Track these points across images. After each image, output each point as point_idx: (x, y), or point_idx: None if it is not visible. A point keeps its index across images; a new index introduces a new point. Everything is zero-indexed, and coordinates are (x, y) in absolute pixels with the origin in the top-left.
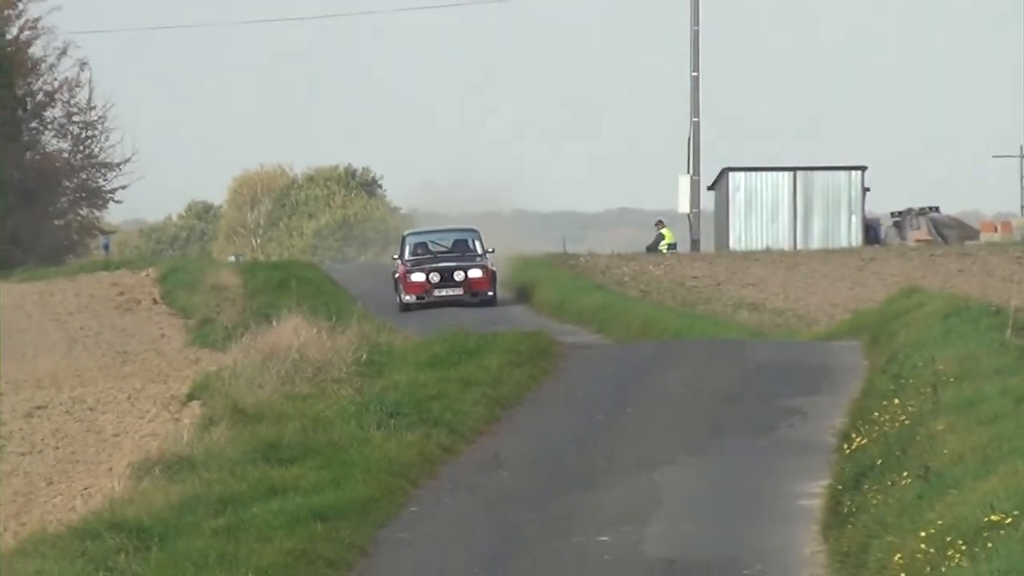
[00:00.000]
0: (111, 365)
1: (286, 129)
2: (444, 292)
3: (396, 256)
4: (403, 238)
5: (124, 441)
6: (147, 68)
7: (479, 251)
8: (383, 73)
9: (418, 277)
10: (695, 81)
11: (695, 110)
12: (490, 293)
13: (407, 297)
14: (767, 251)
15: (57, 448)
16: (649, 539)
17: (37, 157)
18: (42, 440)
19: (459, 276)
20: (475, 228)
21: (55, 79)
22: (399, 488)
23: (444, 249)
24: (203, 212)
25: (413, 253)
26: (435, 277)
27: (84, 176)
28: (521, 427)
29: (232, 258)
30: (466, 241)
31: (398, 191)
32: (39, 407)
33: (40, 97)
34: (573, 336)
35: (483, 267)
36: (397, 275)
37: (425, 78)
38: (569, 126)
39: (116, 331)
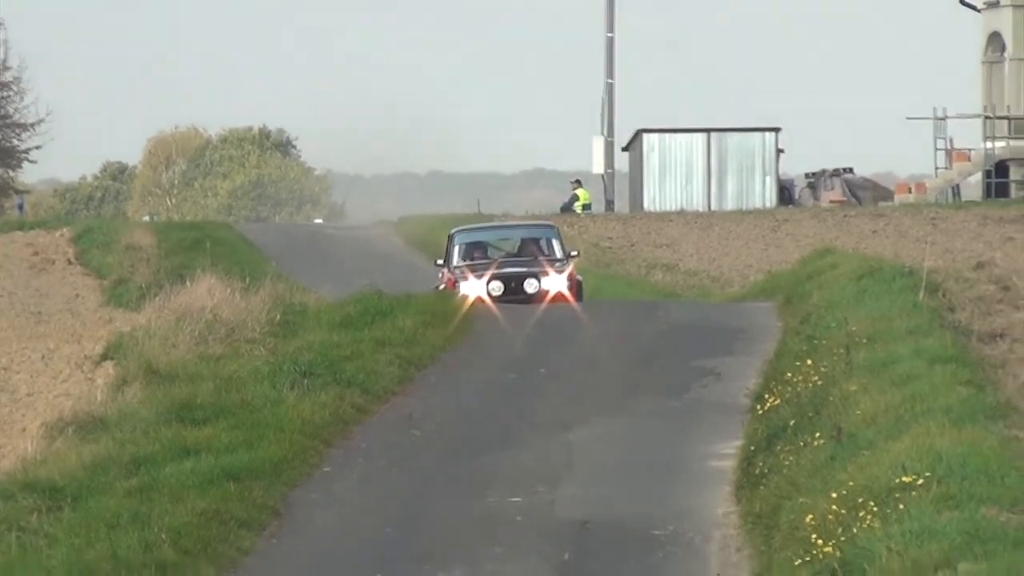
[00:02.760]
0: (25, 325)
1: (202, 89)
2: None
3: (440, 262)
4: (450, 237)
5: (37, 401)
6: (62, 28)
7: (559, 254)
8: (300, 32)
9: (472, 287)
10: (610, 42)
11: (609, 71)
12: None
13: None
14: (681, 212)
15: None
16: (561, 500)
17: None
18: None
19: (531, 286)
20: (552, 224)
21: None
22: (312, 448)
23: (510, 252)
24: (118, 172)
25: (466, 256)
26: (497, 287)
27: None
28: (434, 388)
29: (147, 218)
30: (539, 241)
31: (313, 151)
32: None
33: None
34: None
35: (564, 274)
36: (441, 287)
37: (343, 43)
38: (485, 87)
39: (30, 291)
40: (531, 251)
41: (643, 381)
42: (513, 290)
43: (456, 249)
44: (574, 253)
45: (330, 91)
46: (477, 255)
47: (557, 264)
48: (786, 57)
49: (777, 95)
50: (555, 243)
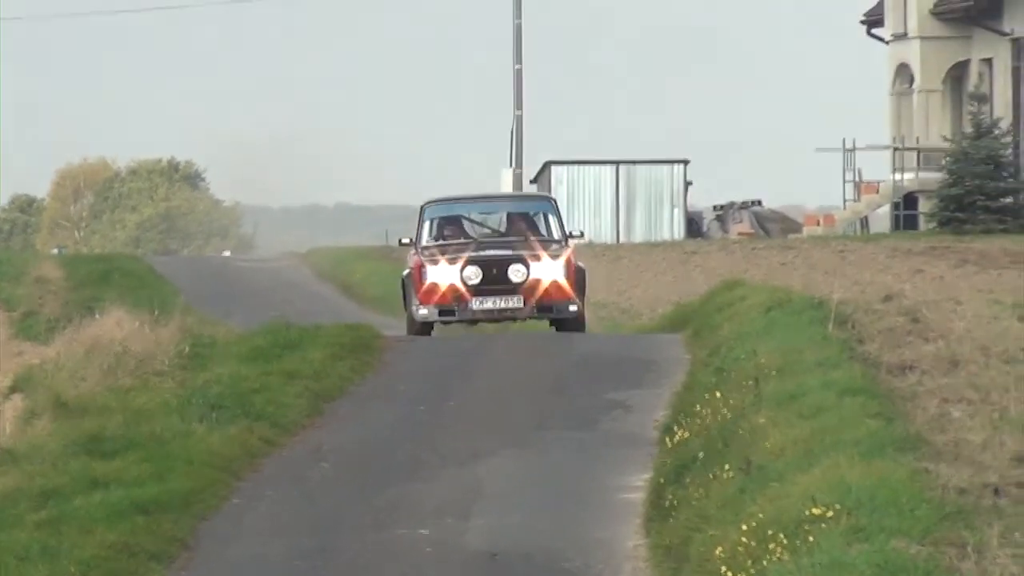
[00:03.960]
0: None
1: (110, 121)
2: (491, 303)
3: (406, 240)
4: (420, 211)
5: None
6: None
7: (556, 234)
8: (209, 62)
9: (443, 274)
10: (518, 74)
11: (518, 103)
12: (573, 308)
13: (422, 311)
14: (590, 244)
15: None
16: (471, 532)
17: None
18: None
19: (518, 274)
20: (548, 196)
21: None
22: (221, 481)
23: (494, 231)
24: (26, 205)
25: (439, 235)
26: (474, 274)
27: None
28: (344, 420)
29: (55, 250)
30: (532, 216)
31: (221, 184)
32: None
33: None
34: (396, 329)
35: (561, 259)
36: (407, 272)
37: (250, 74)
38: (394, 118)
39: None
40: (520, 229)
41: (553, 413)
42: (494, 278)
43: (427, 226)
44: (576, 233)
45: (237, 123)
46: (452, 233)
47: (553, 246)
48: (694, 88)
49: (685, 127)
50: (552, 220)
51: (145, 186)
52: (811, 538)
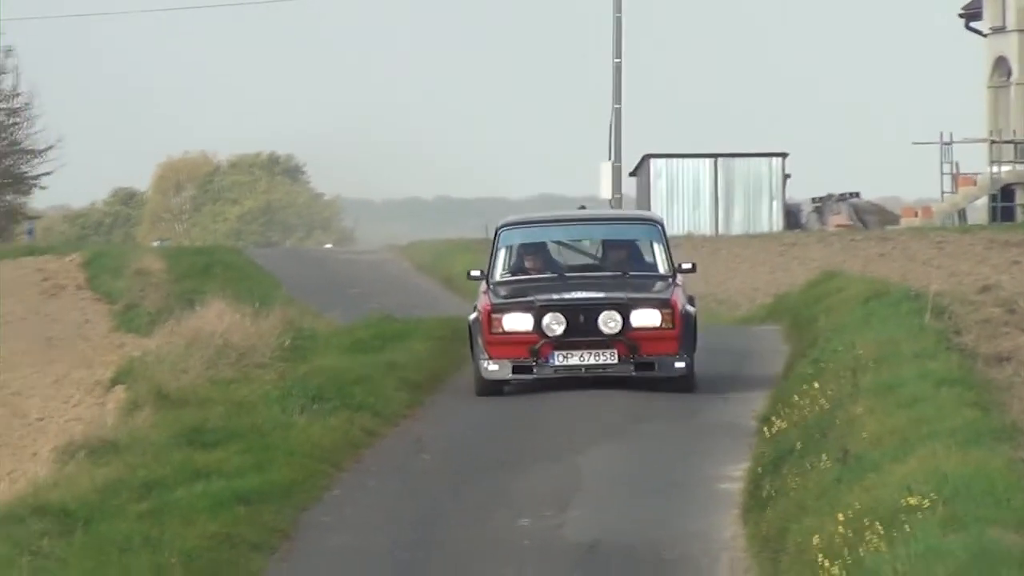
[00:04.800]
0: (36, 350)
1: (211, 115)
2: (577, 358)
3: (474, 273)
4: (495, 234)
5: (49, 426)
6: (72, 54)
7: (662, 267)
8: (309, 57)
9: (517, 321)
10: (617, 67)
11: (617, 97)
12: (680, 365)
13: (491, 366)
14: (689, 236)
15: None
16: (570, 523)
17: None
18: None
19: (611, 323)
20: (655, 217)
21: None
22: (322, 472)
23: (584, 263)
24: (128, 198)
25: (517, 266)
26: (556, 322)
27: (8, 163)
28: (444, 412)
29: (157, 243)
30: (635, 244)
31: (322, 178)
32: None
33: None
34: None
35: (667, 304)
36: (474, 316)
37: (351, 68)
38: (493, 113)
39: (41, 316)
40: (617, 261)
41: (651, 405)
42: (582, 328)
43: (501, 255)
44: (687, 266)
45: (339, 116)
46: (533, 264)
47: (657, 285)
48: (792, 82)
49: (783, 120)
50: (657, 248)
51: (246, 179)
52: (907, 527)
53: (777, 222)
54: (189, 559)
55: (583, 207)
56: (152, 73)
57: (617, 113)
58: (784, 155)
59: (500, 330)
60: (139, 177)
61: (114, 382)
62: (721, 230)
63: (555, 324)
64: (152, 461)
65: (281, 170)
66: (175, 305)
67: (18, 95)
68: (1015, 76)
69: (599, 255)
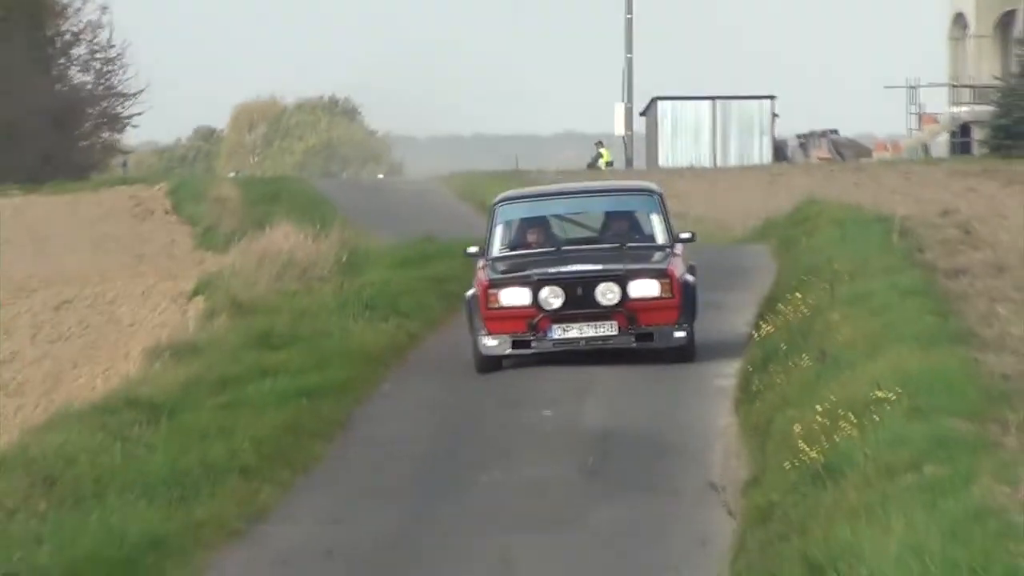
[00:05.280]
0: (129, 265)
1: (278, 59)
2: (576, 331)
3: (473, 249)
4: (492, 209)
5: (139, 330)
6: (160, 7)
7: (660, 237)
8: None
9: (515, 295)
10: (628, 22)
11: (628, 47)
12: (680, 335)
13: (489, 341)
14: (691, 168)
15: (81, 336)
16: (586, 414)
17: (65, 89)
18: (68, 329)
19: (609, 294)
20: (653, 188)
21: (80, 21)
22: (373, 371)
23: (581, 236)
24: (208, 135)
25: (516, 241)
26: (553, 295)
27: (105, 105)
28: (445, 341)
29: (232, 175)
30: (631, 216)
31: (375, 117)
32: (66, 301)
33: (67, 37)
34: None
35: (665, 274)
36: (472, 292)
37: (399, 10)
38: (524, 58)
39: (133, 236)
40: (616, 233)
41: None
42: (580, 300)
43: (499, 230)
44: (685, 236)
45: (390, 60)
46: (532, 238)
47: (655, 256)
48: (780, 31)
49: (772, 65)
50: (655, 219)
51: (309, 119)
52: (876, 417)
53: (766, 155)
54: (259, 445)
55: (600, 143)
56: (229, 24)
57: (628, 62)
58: (772, 97)
59: (497, 305)
60: (218, 117)
61: (195, 293)
62: (719, 163)
63: (553, 298)
64: (227, 361)
65: (340, 111)
66: (248, 227)
67: (112, 47)
68: (972, 30)
69: (597, 228)
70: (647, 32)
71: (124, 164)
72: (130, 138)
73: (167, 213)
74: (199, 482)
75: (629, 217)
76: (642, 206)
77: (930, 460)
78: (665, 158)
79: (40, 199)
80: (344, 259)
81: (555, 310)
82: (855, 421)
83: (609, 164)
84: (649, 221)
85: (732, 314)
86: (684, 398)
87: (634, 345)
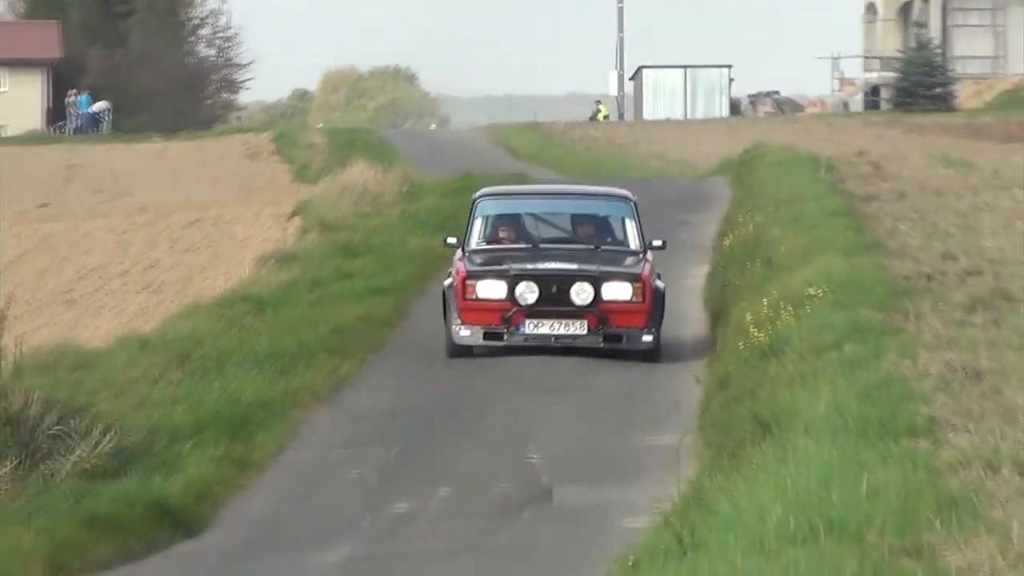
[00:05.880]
0: (242, 194)
1: (356, 31)
2: (547, 327)
3: (452, 240)
4: (472, 203)
5: (250, 244)
6: None
7: (633, 243)
8: None
9: (491, 288)
10: (620, 10)
11: (620, 27)
12: (647, 338)
13: (463, 331)
14: (667, 120)
15: (206, 248)
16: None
17: (193, 61)
18: (197, 243)
19: (583, 294)
20: (627, 194)
21: (205, 9)
22: (427, 274)
23: (558, 236)
24: (301, 95)
25: (490, 236)
26: (529, 291)
27: (224, 72)
28: None
29: (320, 125)
30: (606, 220)
31: (428, 81)
32: (195, 221)
33: (195, 22)
34: (543, 175)
35: (637, 279)
36: (449, 282)
37: None
38: (537, 33)
39: (245, 173)
40: (591, 235)
41: (645, 228)
42: (554, 297)
43: (478, 224)
44: (657, 243)
45: (440, 33)
46: (508, 234)
47: (628, 260)
48: (735, 12)
49: (728, 40)
50: (629, 225)
51: (378, 84)
52: (808, 308)
53: (724, 111)
54: (341, 330)
55: (599, 101)
56: (319, 5)
57: (620, 40)
58: (729, 66)
59: (474, 296)
60: (310, 81)
61: (293, 215)
62: (689, 116)
63: (528, 293)
64: (316, 267)
65: (401, 76)
66: (332, 165)
67: (229, 28)
68: (880, 15)
69: (572, 228)
70: (634, 10)
71: (238, 118)
72: (243, 98)
73: (271, 155)
74: (295, 358)
75: (603, 221)
76: (617, 211)
77: (849, 341)
78: (649, 112)
79: (175, 145)
80: (404, 189)
81: (529, 305)
82: (792, 311)
83: (606, 117)
84: (623, 226)
85: (699, 230)
86: (667, 292)
87: (601, 345)
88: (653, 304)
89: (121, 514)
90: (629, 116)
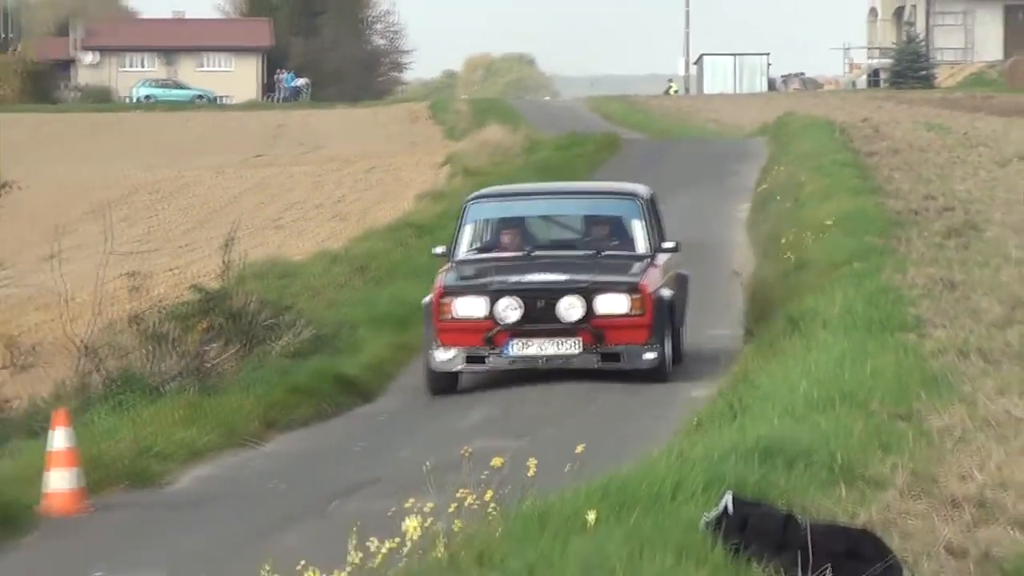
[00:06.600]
0: (406, 148)
1: (491, 19)
2: (535, 347)
3: (438, 250)
4: (463, 208)
5: (412, 184)
6: None
7: (641, 246)
8: None
9: (470, 305)
10: (687, 14)
11: (687, 23)
12: (650, 356)
13: (440, 355)
14: (721, 94)
15: (379, 188)
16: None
17: (369, 48)
18: (372, 183)
19: (573, 309)
20: (636, 192)
21: (379, 9)
22: None
23: (555, 242)
24: (450, 75)
25: (482, 244)
26: (511, 308)
27: (392, 57)
28: (607, 171)
29: (464, 97)
30: (611, 221)
31: (544, 63)
32: (372, 167)
33: (371, 18)
34: (629, 135)
35: (635, 288)
36: (428, 298)
37: None
38: (626, 23)
39: (408, 132)
40: (594, 239)
41: (697, 180)
42: (540, 314)
43: (467, 231)
44: (669, 245)
45: (555, 22)
46: (502, 241)
47: (633, 267)
48: (771, 8)
49: (765, 32)
50: (636, 226)
51: (507, 65)
52: (824, 235)
53: (764, 87)
54: None
55: (670, 80)
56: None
57: (686, 34)
58: (767, 54)
59: (451, 315)
60: (456, 63)
61: (443, 164)
62: (737, 91)
63: (510, 310)
64: (455, 202)
65: (524, 61)
66: (473, 127)
67: (397, 24)
68: (879, 16)
69: (573, 232)
70: (696, 8)
71: (402, 91)
72: (406, 76)
73: (427, 119)
74: None
75: (608, 222)
76: (624, 211)
77: (856, 259)
78: (707, 88)
79: (356, 111)
80: (527, 145)
81: (513, 324)
82: (813, 237)
83: (676, 92)
84: (630, 227)
85: (743, 177)
86: (720, 223)
87: (598, 366)
88: (656, 316)
89: (315, 384)
90: (692, 91)
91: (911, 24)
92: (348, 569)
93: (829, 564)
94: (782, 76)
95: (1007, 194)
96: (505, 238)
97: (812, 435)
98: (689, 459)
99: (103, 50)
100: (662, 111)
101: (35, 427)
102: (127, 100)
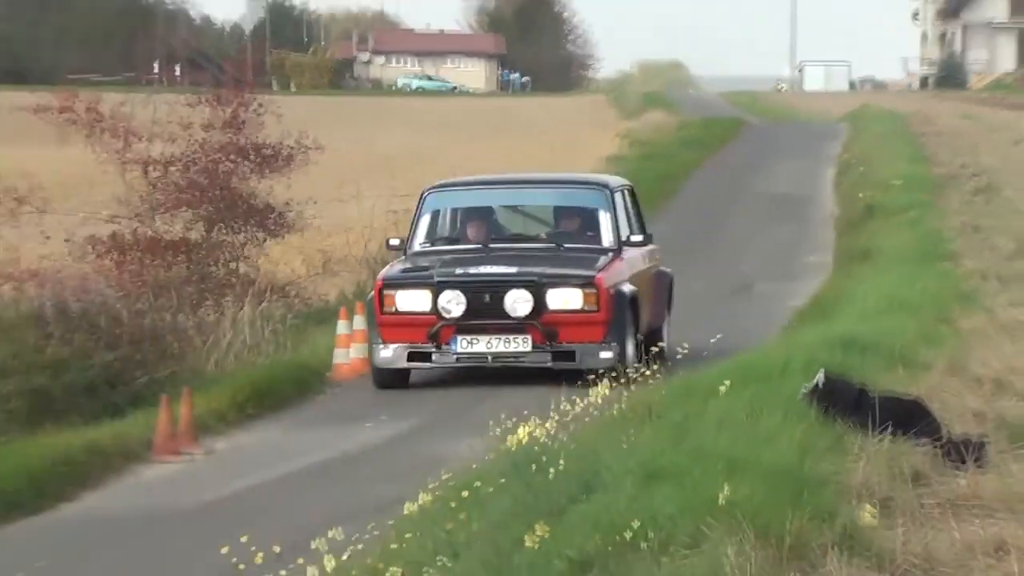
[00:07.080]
0: (591, 124)
1: (653, 30)
2: (483, 344)
3: (395, 241)
4: (420, 198)
5: (598, 150)
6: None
7: (607, 239)
8: None
9: (412, 300)
10: (793, 25)
11: (793, 36)
12: (606, 355)
13: (383, 352)
14: (815, 92)
15: (572, 152)
16: (758, 184)
17: (563, 52)
18: (569, 150)
19: (521, 303)
20: (605, 182)
21: (572, 24)
22: (691, 169)
23: (514, 234)
24: (625, 74)
25: (437, 236)
26: (455, 302)
27: (581, 59)
28: (734, 144)
29: (634, 90)
30: (575, 213)
31: (692, 65)
32: (569, 140)
33: (566, 30)
34: (751, 120)
35: (590, 282)
36: (372, 295)
37: None
38: (751, 34)
39: (594, 114)
40: (555, 231)
41: (799, 151)
42: (485, 308)
43: (423, 221)
44: (636, 238)
45: (697, 32)
46: (459, 233)
47: (598, 260)
48: (856, 19)
49: (844, 44)
50: (603, 217)
51: (664, 69)
52: (889, 191)
53: (845, 87)
54: (653, 176)
55: (779, 81)
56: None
57: (792, 46)
58: (848, 63)
59: (393, 309)
60: (629, 64)
61: (620, 137)
62: (826, 90)
63: (453, 304)
64: (633, 163)
65: (677, 66)
66: (640, 111)
67: (582, 34)
68: (929, 38)
69: (535, 224)
70: (801, 25)
71: (591, 85)
72: (592, 74)
73: (608, 106)
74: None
75: (572, 213)
76: (591, 202)
77: (912, 208)
78: (806, 88)
79: (559, 99)
80: (679, 124)
81: (455, 319)
82: (882, 192)
83: (783, 89)
84: (596, 220)
85: (829, 149)
86: (813, 181)
87: (550, 364)
88: (614, 313)
89: None
90: (797, 89)
91: (951, 44)
92: (555, 417)
93: (890, 422)
94: (860, 79)
95: (1019, 165)
96: (470, 231)
97: (878, 332)
98: (792, 347)
99: (378, 52)
100: (775, 103)
101: (326, 317)
102: (393, 88)
